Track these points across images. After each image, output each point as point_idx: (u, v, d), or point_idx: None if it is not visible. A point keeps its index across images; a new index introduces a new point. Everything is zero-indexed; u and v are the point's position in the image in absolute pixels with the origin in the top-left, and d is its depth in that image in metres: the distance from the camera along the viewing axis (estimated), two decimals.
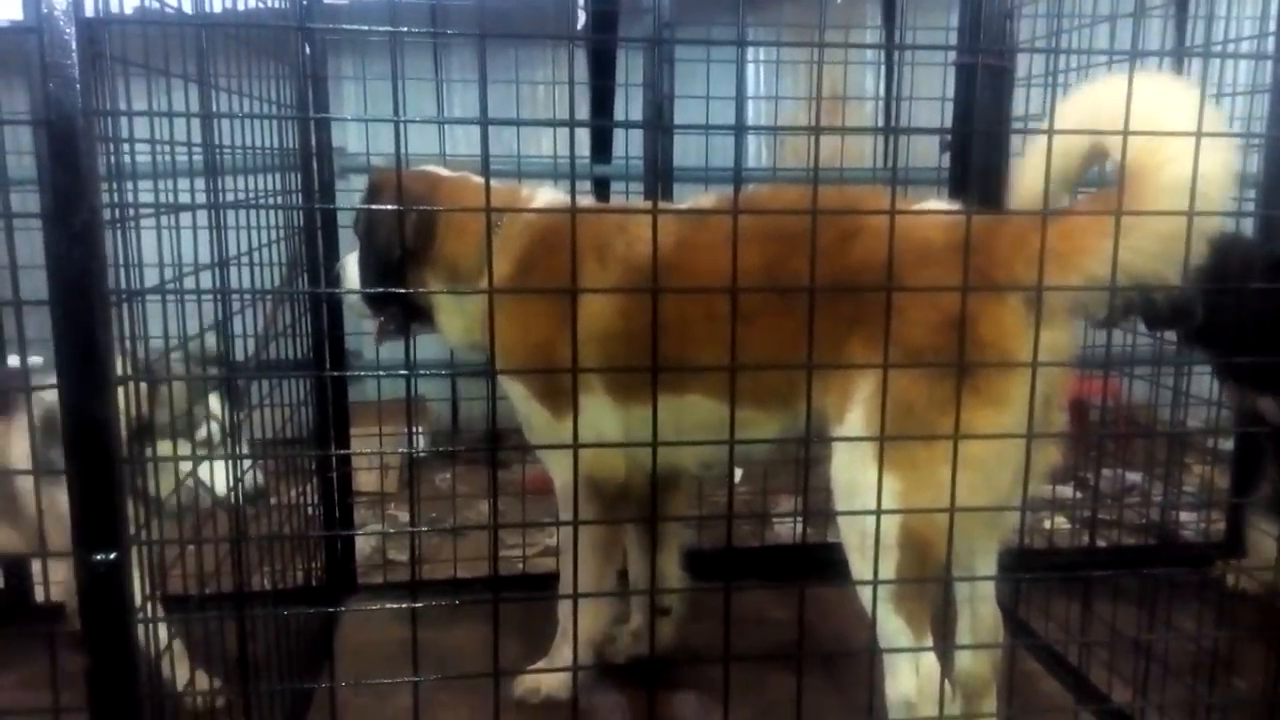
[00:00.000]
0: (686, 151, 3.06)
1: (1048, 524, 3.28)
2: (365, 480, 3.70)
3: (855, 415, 1.76)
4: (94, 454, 1.17)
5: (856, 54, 4.04)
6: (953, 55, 2.57)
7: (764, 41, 4.37)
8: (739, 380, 1.62)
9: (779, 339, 1.80)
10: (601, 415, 2.03)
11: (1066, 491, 3.39)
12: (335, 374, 2.77)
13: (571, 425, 1.50)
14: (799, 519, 3.04)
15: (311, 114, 2.58)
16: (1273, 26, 2.75)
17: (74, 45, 1.14)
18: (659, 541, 2.31)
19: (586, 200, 2.43)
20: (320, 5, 2.85)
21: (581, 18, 3.72)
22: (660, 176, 2.72)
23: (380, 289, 2.21)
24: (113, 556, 1.17)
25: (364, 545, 3.27)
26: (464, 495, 3.46)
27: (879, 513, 1.56)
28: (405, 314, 2.26)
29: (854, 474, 1.75)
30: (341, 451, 2.85)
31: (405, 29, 2.12)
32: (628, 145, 3.48)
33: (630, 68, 3.14)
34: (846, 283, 1.76)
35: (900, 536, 1.69)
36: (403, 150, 1.34)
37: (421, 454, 4.23)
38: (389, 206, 2.08)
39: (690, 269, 1.87)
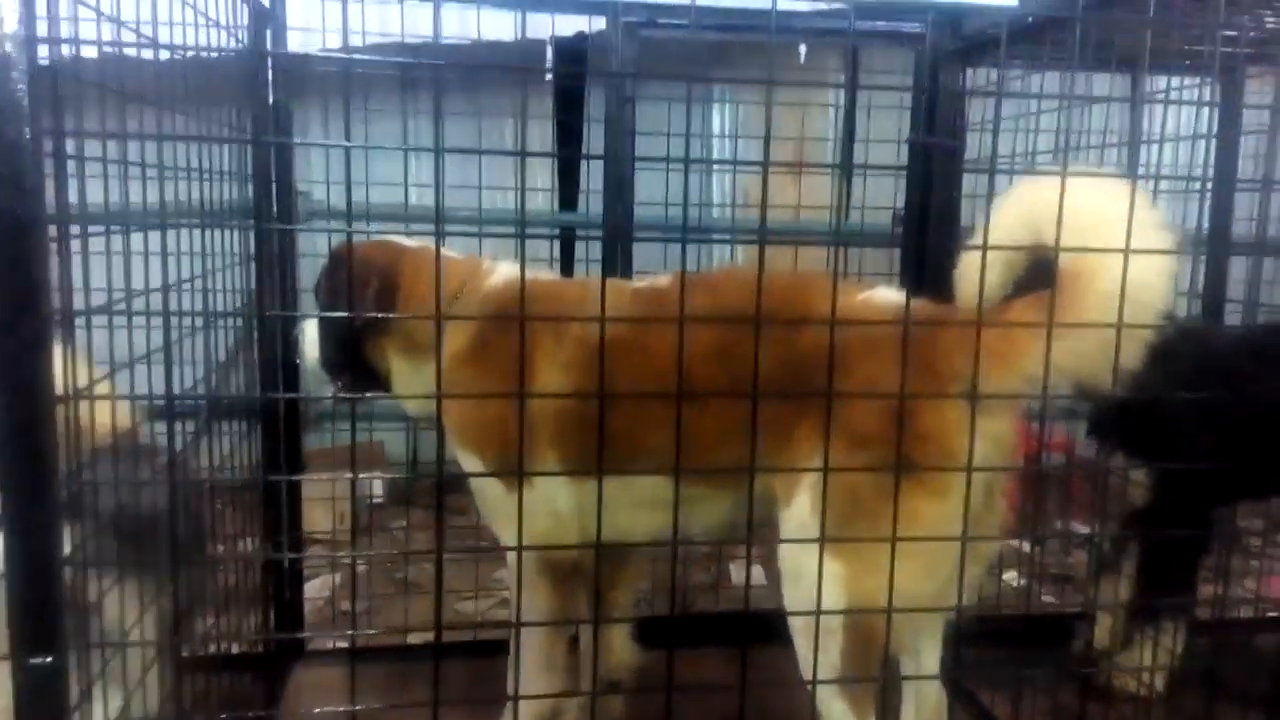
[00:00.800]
0: (651, 208, 3.09)
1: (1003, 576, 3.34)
2: (320, 522, 3.66)
3: (802, 499, 1.80)
4: (33, 558, 1.16)
5: (816, 118, 4.12)
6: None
7: (720, 79, 4.39)
8: (690, 459, 1.65)
9: (730, 420, 1.82)
10: (555, 491, 2.03)
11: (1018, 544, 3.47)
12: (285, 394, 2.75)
13: (525, 500, 1.52)
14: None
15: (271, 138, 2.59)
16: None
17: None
18: (609, 614, 2.32)
19: (545, 274, 2.42)
20: (284, 54, 2.85)
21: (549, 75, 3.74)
22: (619, 225, 2.76)
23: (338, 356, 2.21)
24: (49, 660, 1.16)
25: (317, 592, 3.25)
26: (417, 552, 3.44)
27: (818, 612, 1.59)
28: (363, 381, 2.26)
29: (800, 559, 1.77)
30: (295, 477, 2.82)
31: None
32: (589, 203, 3.51)
33: (594, 133, 3.17)
34: (796, 369, 1.80)
35: (845, 621, 1.72)
36: (365, 199, 1.34)
37: (377, 500, 4.21)
38: (347, 276, 2.09)
39: (645, 349, 1.89)
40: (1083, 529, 4.02)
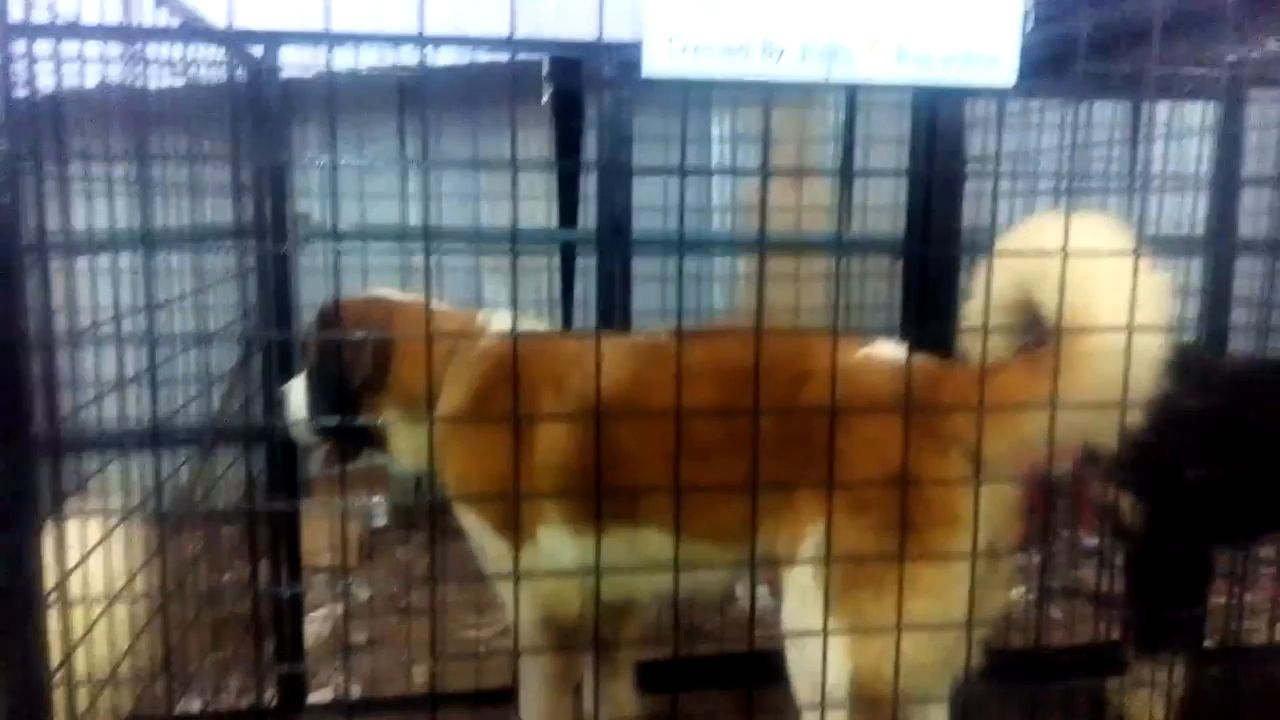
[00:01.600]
0: (651, 216, 3.05)
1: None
2: (323, 555, 3.63)
3: (805, 559, 1.77)
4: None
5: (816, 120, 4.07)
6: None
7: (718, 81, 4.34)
8: (691, 516, 1.62)
9: (732, 476, 1.79)
10: (556, 546, 2.01)
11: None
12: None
13: (528, 557, 1.50)
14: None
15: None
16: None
17: None
18: (612, 668, 2.30)
19: (542, 326, 2.40)
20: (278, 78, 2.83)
21: (546, 91, 3.71)
22: (619, 234, 2.72)
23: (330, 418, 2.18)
24: None
25: (320, 629, 3.23)
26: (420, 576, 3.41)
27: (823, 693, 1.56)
28: (357, 441, 2.22)
29: (803, 622, 1.75)
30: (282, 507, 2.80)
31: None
32: (589, 212, 3.47)
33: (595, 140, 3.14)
34: (797, 427, 1.77)
35: (850, 688, 1.69)
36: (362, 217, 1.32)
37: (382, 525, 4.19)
38: (341, 335, 2.06)
39: (645, 404, 1.86)
40: (1091, 541, 3.98)
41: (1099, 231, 1.58)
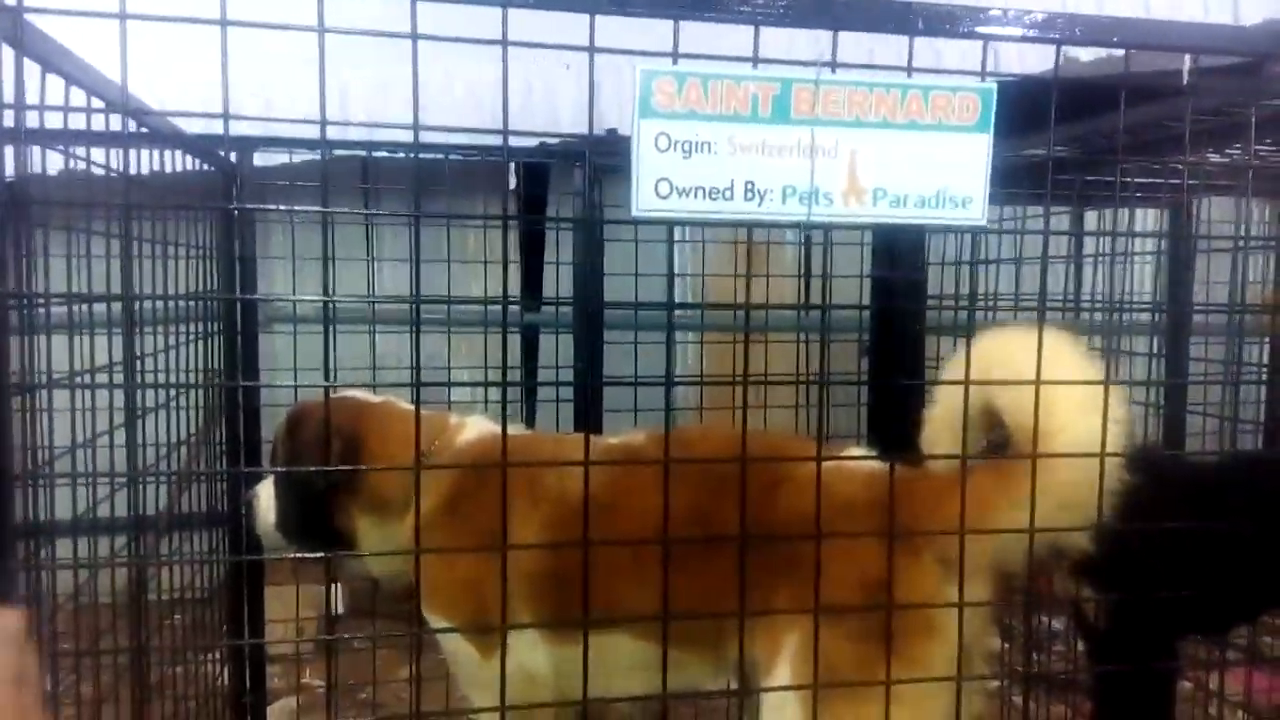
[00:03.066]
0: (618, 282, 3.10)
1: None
2: (278, 645, 3.56)
3: (783, 670, 1.77)
4: None
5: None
6: None
7: None
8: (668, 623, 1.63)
9: (708, 583, 1.80)
10: (531, 655, 1.99)
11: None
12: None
13: (499, 664, 1.50)
14: None
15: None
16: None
17: None
18: None
19: (517, 429, 2.40)
20: (251, 167, 2.85)
21: (513, 179, 3.77)
22: (590, 316, 2.75)
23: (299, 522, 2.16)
24: None
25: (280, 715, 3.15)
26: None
27: None
28: (326, 544, 2.21)
29: None
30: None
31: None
32: (558, 287, 3.53)
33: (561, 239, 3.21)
34: (773, 533, 1.78)
35: None
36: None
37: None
38: (310, 438, 2.05)
39: (621, 509, 1.87)
40: (1058, 624, 4.02)
41: (1055, 343, 1.62)
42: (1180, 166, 2.11)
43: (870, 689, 1.59)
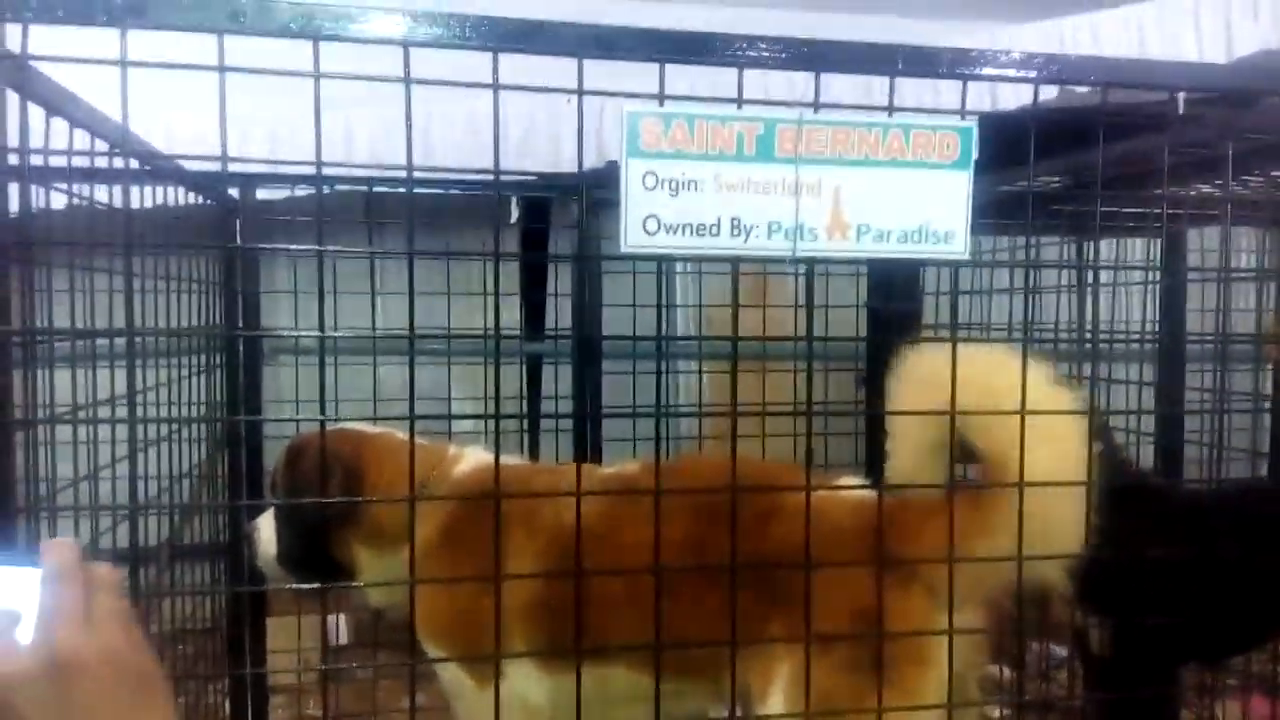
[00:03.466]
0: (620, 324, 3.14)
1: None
2: (280, 676, 3.57)
3: (775, 700, 1.79)
4: None
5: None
6: None
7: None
8: (663, 652, 1.65)
9: (702, 613, 1.81)
10: (527, 685, 2.00)
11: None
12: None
13: (495, 693, 1.52)
14: None
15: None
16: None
17: None
18: None
19: (515, 459, 2.43)
20: (254, 202, 2.90)
21: (515, 211, 3.82)
22: (587, 347, 2.79)
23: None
24: None
25: None
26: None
27: None
28: (327, 576, 2.22)
29: None
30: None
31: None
32: (558, 318, 3.57)
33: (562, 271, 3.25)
34: (765, 563, 1.80)
35: None
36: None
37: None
38: (310, 470, 2.08)
39: (615, 541, 1.88)
40: (1061, 650, 4.01)
41: (1016, 366, 1.59)
42: (1162, 198, 2.14)
43: (862, 718, 1.61)
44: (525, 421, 3.79)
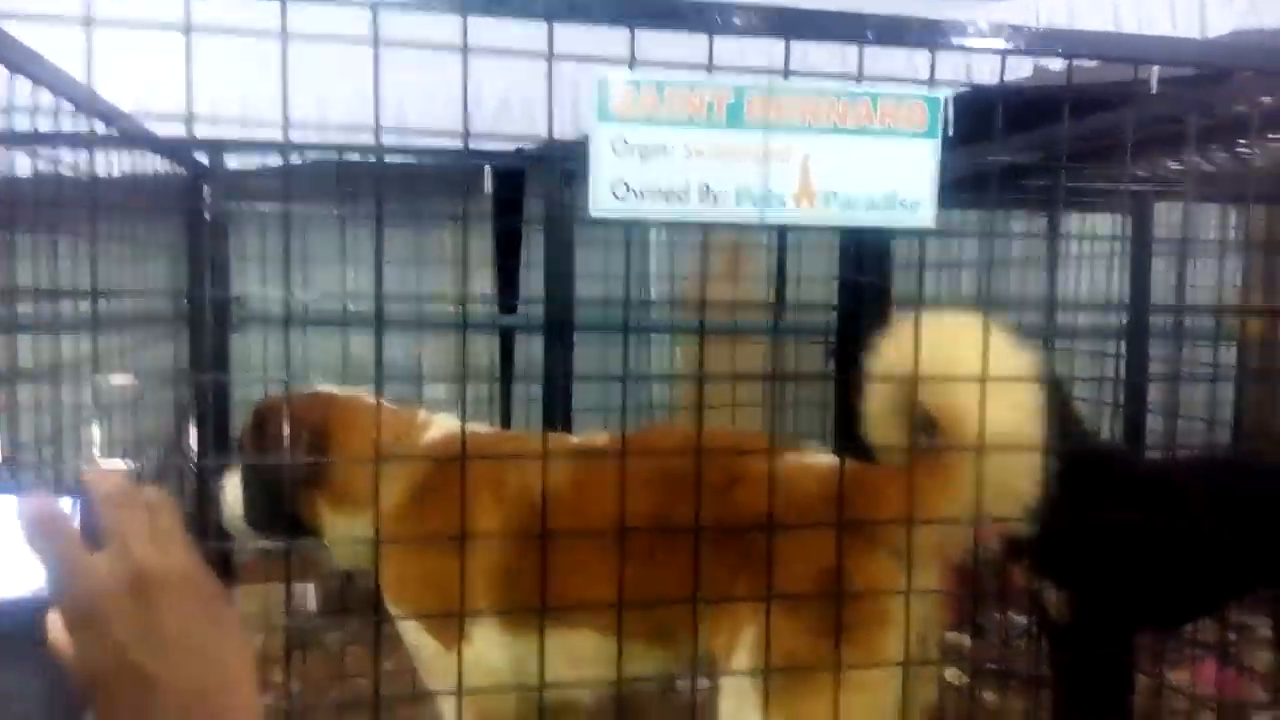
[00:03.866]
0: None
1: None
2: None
3: (740, 660, 1.81)
4: None
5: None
6: None
7: None
8: (628, 617, 1.67)
9: (668, 580, 1.83)
10: (491, 648, 2.02)
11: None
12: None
13: (461, 657, 1.53)
14: None
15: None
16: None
17: None
18: None
19: (483, 426, 2.43)
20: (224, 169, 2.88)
21: (489, 181, 3.79)
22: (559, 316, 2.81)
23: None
24: None
25: None
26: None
27: None
28: (292, 534, 2.22)
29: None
30: None
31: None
32: (531, 288, 3.56)
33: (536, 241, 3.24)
34: (730, 529, 1.82)
35: None
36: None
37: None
38: (277, 430, 2.07)
39: (583, 508, 1.90)
40: (1021, 619, 4.07)
41: (975, 330, 1.63)
42: (1126, 172, 2.17)
43: (827, 681, 1.63)
44: (499, 391, 3.80)
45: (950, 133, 2.82)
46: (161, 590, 0.74)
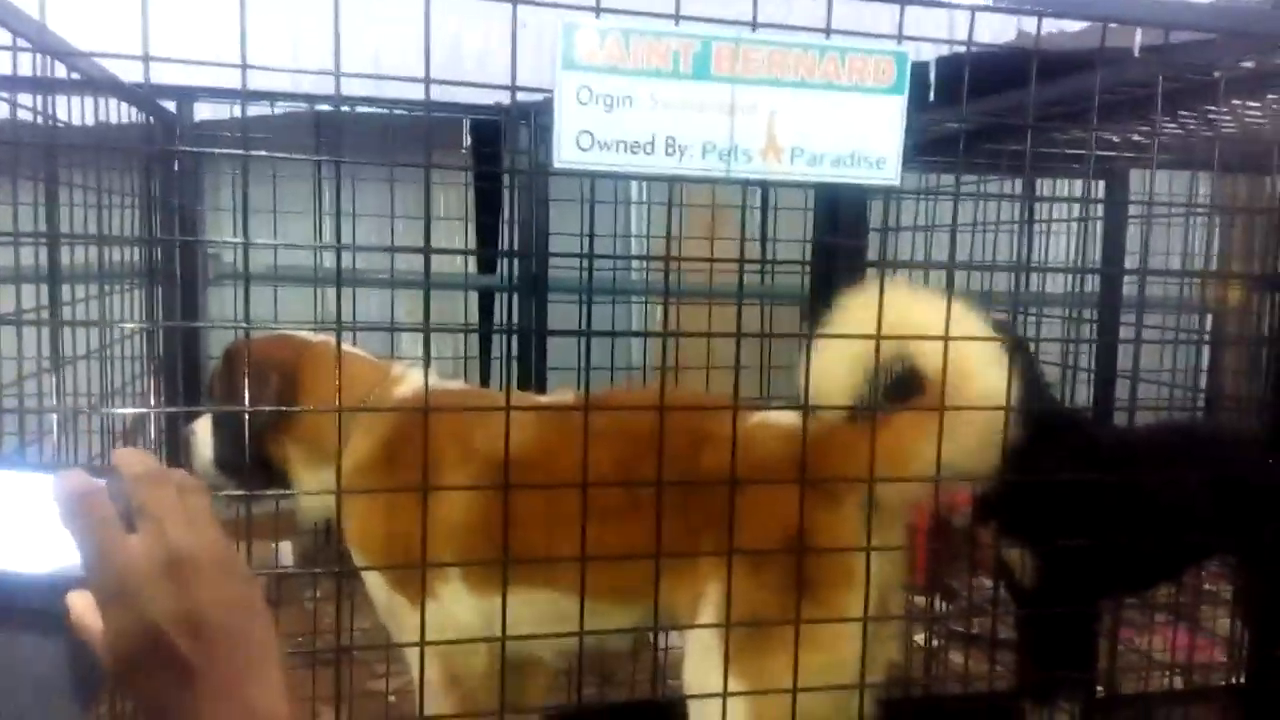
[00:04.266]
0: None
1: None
2: None
3: (705, 619, 1.83)
4: None
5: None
6: None
7: None
8: (592, 575, 1.67)
9: (633, 539, 1.84)
10: (457, 605, 2.03)
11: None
12: None
13: (429, 614, 1.54)
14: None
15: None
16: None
17: None
18: None
19: (454, 383, 2.42)
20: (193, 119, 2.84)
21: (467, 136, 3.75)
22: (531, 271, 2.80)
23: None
24: None
25: None
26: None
27: None
28: (262, 481, 2.21)
29: (704, 678, 1.81)
30: None
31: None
32: (511, 244, 3.54)
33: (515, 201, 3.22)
34: (696, 489, 1.82)
35: None
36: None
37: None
38: (248, 373, 2.05)
39: (548, 466, 1.90)
40: (990, 583, 4.12)
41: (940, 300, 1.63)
42: (1093, 135, 2.16)
43: (789, 638, 1.64)
44: (477, 348, 3.79)
45: (932, 96, 2.83)
46: (196, 572, 0.75)
